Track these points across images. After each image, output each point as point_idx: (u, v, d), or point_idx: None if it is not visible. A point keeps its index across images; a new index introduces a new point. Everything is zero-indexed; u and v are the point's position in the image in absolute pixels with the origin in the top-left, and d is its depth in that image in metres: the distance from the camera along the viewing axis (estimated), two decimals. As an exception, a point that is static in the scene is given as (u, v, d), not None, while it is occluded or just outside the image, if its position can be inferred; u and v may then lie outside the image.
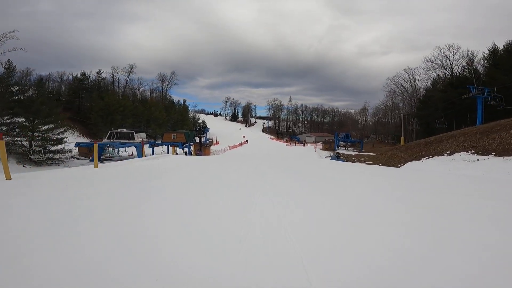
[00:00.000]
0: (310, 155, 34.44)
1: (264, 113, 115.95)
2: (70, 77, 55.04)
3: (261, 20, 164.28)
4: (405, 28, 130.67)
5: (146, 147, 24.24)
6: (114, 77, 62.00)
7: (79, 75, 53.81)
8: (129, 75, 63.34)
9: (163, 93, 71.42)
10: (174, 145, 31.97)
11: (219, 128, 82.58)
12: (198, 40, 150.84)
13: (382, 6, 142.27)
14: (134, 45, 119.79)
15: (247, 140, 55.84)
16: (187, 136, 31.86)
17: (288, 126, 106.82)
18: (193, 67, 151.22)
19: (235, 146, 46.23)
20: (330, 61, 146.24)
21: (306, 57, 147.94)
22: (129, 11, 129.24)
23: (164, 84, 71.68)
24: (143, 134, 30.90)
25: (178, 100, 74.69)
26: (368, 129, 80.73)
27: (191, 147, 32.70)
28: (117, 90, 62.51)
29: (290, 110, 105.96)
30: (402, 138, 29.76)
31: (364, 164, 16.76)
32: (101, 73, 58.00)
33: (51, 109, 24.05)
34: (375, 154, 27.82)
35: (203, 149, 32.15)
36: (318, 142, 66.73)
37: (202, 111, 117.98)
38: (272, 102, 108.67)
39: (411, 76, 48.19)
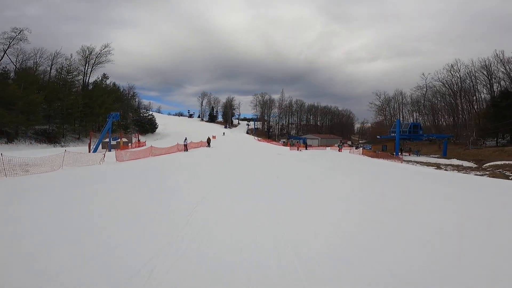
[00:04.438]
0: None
1: (249, 114, 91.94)
2: None
3: (252, 26, 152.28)
4: (392, 34, 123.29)
5: None
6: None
7: None
8: (10, 44, 35.55)
9: (85, 74, 44.34)
10: None
11: (185, 128, 56.48)
12: (188, 46, 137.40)
13: (372, 12, 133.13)
14: (122, 51, 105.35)
15: (208, 140, 28.90)
16: None
17: (282, 127, 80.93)
18: (182, 74, 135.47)
19: (161, 152, 18.80)
20: (318, 68, 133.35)
21: (295, 64, 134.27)
22: (118, 17, 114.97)
23: (88, 62, 44.71)
24: None
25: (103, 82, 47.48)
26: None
27: None
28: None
29: (283, 106, 79.71)
30: None
31: None
32: None
33: None
34: None
35: None
36: (332, 145, 43.73)
37: (180, 114, 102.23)
38: (260, 97, 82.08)
39: None
